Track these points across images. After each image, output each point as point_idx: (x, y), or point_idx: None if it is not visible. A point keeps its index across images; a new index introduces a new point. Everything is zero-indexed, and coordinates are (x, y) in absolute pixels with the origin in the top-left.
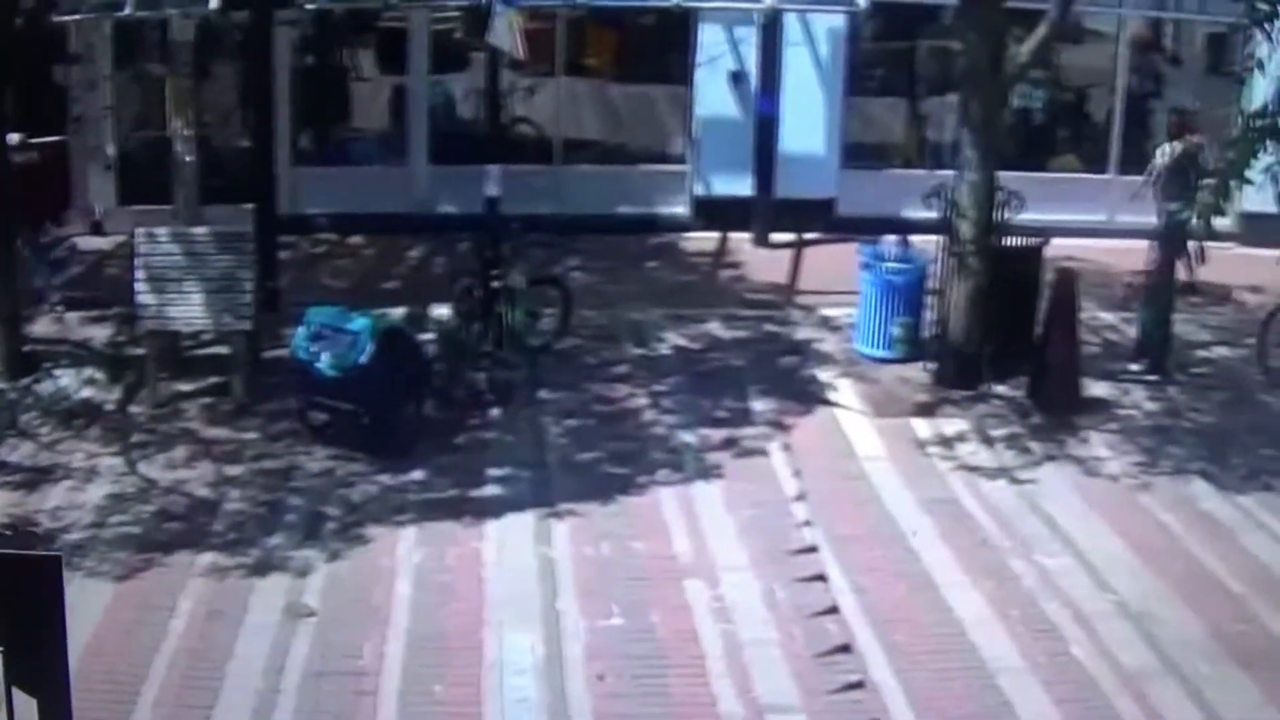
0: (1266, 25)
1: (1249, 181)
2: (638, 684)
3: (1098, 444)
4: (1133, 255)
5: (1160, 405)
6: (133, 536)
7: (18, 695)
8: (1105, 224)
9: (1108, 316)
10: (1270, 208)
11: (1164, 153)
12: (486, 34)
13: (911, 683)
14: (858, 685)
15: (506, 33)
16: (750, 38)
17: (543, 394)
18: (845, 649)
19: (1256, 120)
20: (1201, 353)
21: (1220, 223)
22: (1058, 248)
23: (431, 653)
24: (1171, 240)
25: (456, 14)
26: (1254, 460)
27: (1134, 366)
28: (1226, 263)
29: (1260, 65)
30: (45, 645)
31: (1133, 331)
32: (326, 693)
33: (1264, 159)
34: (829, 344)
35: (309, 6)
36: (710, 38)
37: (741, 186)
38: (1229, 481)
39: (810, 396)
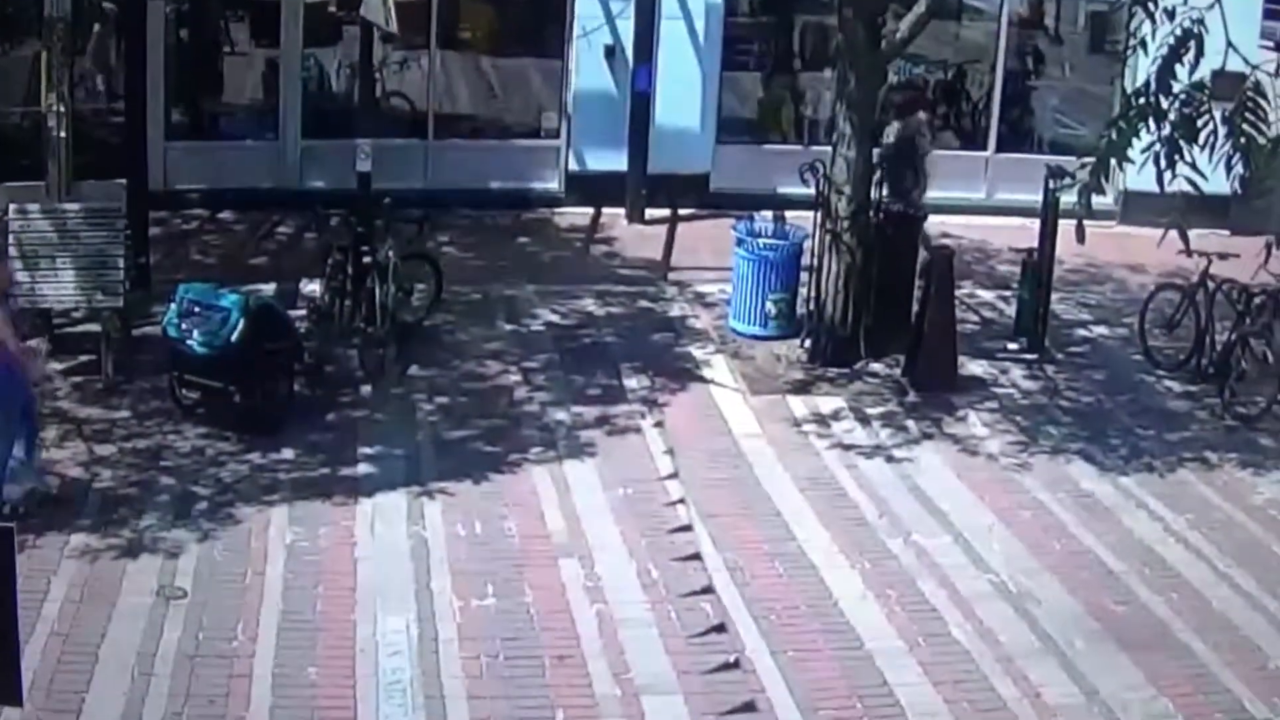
0: (1149, 4)
1: (1129, 160)
2: (513, 665)
3: (975, 423)
4: (1012, 232)
5: (1038, 384)
6: (2, 518)
7: None
8: (983, 202)
9: (985, 294)
10: (1151, 187)
11: (889, 133)
12: (359, 7)
13: (787, 663)
14: (733, 665)
15: (379, 6)
16: (627, 11)
17: (414, 371)
18: (720, 629)
19: (1137, 99)
20: (1080, 332)
21: (1100, 201)
22: (935, 225)
23: (305, 634)
24: (1052, 219)
25: None
26: (1133, 440)
27: (1011, 345)
28: (1106, 241)
29: (1142, 44)
30: None
31: (1010, 310)
32: (200, 675)
33: (1145, 138)
34: (703, 320)
35: None
36: (586, 11)
37: (615, 161)
38: (1108, 461)
39: (684, 374)
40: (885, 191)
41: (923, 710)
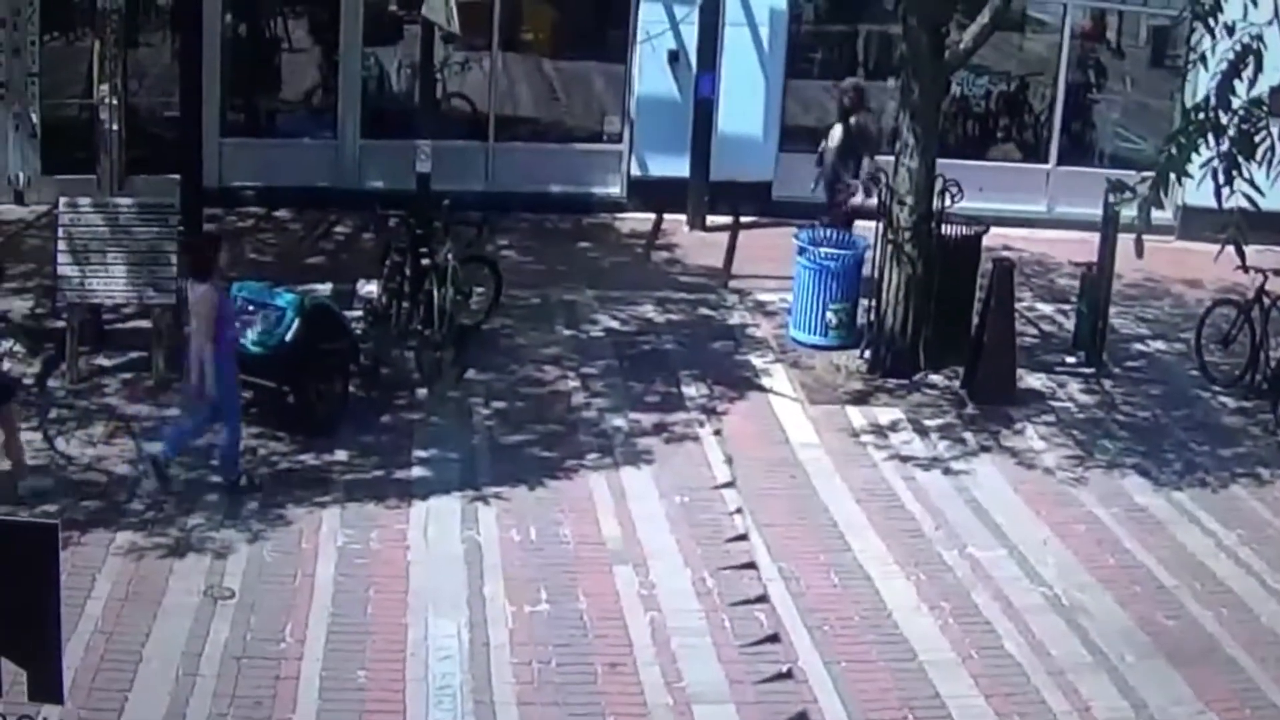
0: (1209, 19)
1: (1189, 175)
2: (564, 672)
3: (1032, 436)
4: (1072, 246)
5: (1095, 398)
6: (49, 515)
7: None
8: (1044, 214)
9: (1045, 307)
10: (1210, 202)
11: (834, 135)
12: (421, 6)
13: (841, 674)
14: (786, 675)
15: (441, 5)
16: (691, 17)
17: (471, 374)
18: (774, 639)
19: (1197, 114)
20: (1138, 346)
21: (1159, 216)
22: (996, 237)
23: (354, 637)
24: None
25: None
26: (1188, 455)
27: (1070, 359)
28: (1165, 256)
29: (1202, 59)
30: (38, 616)
31: (1069, 323)
32: (246, 677)
33: (1204, 153)
34: (763, 329)
35: None
36: (650, 16)
37: (678, 167)
38: (1163, 476)
39: (743, 382)
40: (824, 192)
41: None
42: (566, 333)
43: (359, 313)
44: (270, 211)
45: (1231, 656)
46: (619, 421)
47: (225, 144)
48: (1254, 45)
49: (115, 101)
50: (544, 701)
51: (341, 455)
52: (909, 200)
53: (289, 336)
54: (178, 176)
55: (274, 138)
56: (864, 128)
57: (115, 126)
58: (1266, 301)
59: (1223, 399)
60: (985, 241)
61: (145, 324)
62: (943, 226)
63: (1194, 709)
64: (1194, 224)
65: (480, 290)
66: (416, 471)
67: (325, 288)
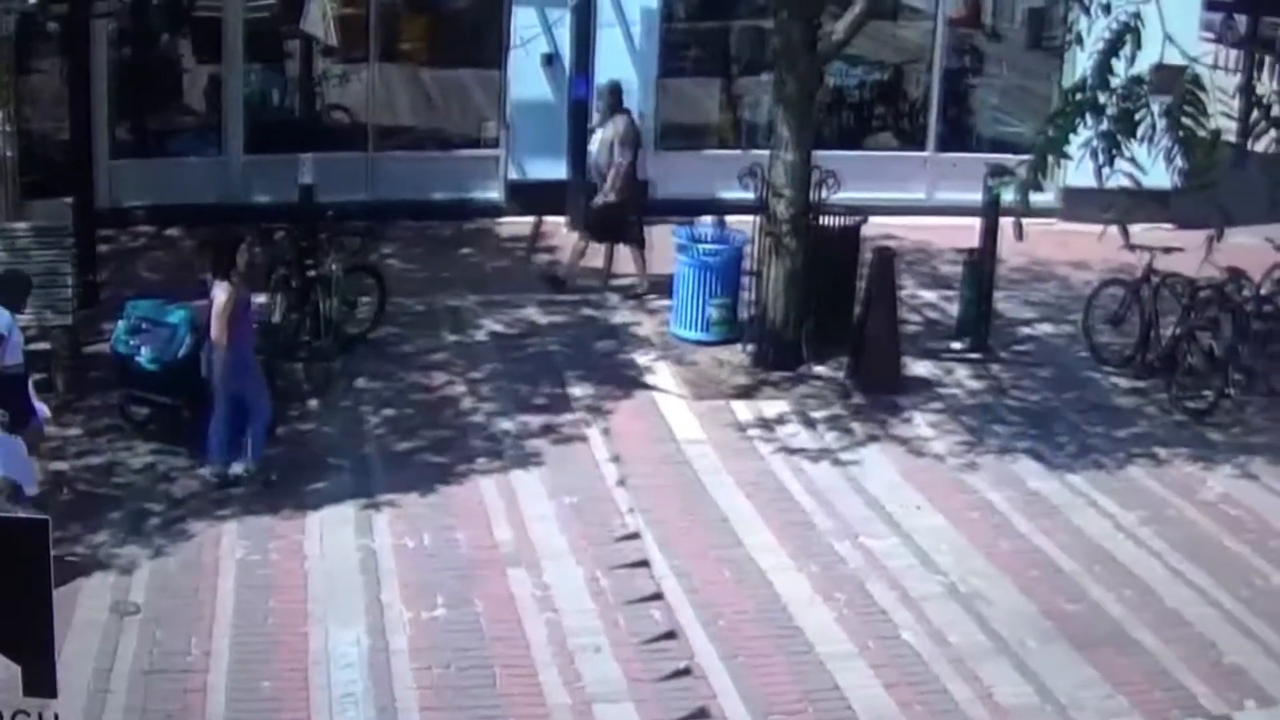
0: None
1: (1068, 156)
2: (464, 676)
3: (921, 423)
4: (954, 232)
5: (984, 383)
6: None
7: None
8: (923, 202)
9: (928, 295)
10: (1092, 183)
11: (594, 137)
12: (300, 21)
13: (739, 668)
14: (685, 672)
15: (319, 20)
16: (564, 19)
17: (360, 383)
18: (671, 636)
19: (1075, 94)
20: (1024, 330)
21: (1041, 198)
22: (876, 226)
23: (258, 648)
24: (992, 217)
25: (270, 2)
26: (1081, 437)
27: (956, 345)
28: (1049, 238)
29: (1079, 39)
30: (30, 611)
31: (954, 310)
32: (155, 691)
33: (1083, 133)
34: (646, 327)
35: None
36: (524, 20)
37: (556, 170)
38: (1056, 459)
39: (628, 381)
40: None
41: (875, 713)
42: (452, 338)
43: None
44: (161, 230)
45: (1137, 639)
46: (507, 425)
47: (115, 165)
48: (1132, 23)
49: (9, 128)
50: (445, 706)
51: (238, 468)
52: (786, 193)
53: (182, 352)
54: (71, 199)
55: (163, 157)
56: (622, 131)
57: (9, 152)
58: (1155, 279)
59: (1115, 379)
60: (866, 231)
61: (45, 346)
62: (821, 218)
63: (1102, 692)
64: (1077, 205)
65: (366, 300)
66: (310, 483)
67: None
